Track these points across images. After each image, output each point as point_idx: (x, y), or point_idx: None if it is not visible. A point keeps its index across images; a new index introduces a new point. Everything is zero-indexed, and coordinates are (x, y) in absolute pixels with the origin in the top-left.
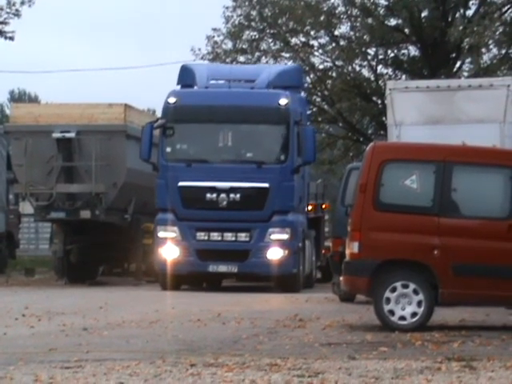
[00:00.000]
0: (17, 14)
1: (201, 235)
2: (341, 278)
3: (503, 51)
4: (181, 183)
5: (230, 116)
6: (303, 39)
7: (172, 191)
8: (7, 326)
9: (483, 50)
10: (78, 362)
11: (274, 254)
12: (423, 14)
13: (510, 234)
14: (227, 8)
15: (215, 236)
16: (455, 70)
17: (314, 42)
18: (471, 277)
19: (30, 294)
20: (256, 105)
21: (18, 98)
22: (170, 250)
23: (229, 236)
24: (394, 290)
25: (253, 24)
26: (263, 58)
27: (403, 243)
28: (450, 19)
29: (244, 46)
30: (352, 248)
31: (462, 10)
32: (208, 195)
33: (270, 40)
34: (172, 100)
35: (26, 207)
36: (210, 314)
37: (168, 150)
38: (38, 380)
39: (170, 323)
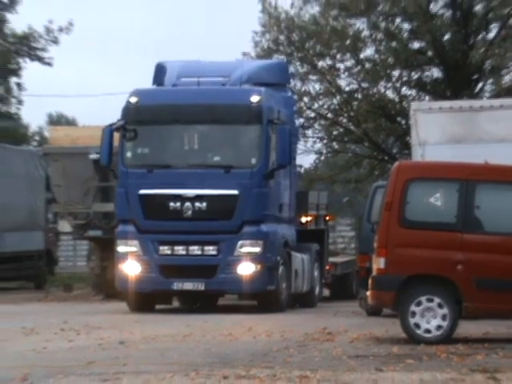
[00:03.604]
0: (55, 41)
1: (164, 249)
2: (367, 293)
3: None
4: (141, 191)
5: (196, 116)
6: (330, 62)
7: (132, 200)
8: (47, 340)
9: (504, 71)
10: (115, 374)
11: (245, 269)
12: (446, 37)
13: None
14: (256, 33)
15: (180, 250)
16: (477, 91)
17: (341, 65)
18: (494, 291)
19: (69, 309)
20: (224, 103)
21: (56, 121)
22: (130, 266)
23: (195, 250)
24: (419, 304)
25: (281, 48)
26: (291, 80)
27: (428, 259)
28: (471, 42)
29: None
30: (378, 264)
31: (483, 33)
32: (171, 204)
33: (298, 63)
34: (133, 99)
35: (65, 226)
36: (242, 328)
37: (128, 154)
38: None
39: (202, 337)
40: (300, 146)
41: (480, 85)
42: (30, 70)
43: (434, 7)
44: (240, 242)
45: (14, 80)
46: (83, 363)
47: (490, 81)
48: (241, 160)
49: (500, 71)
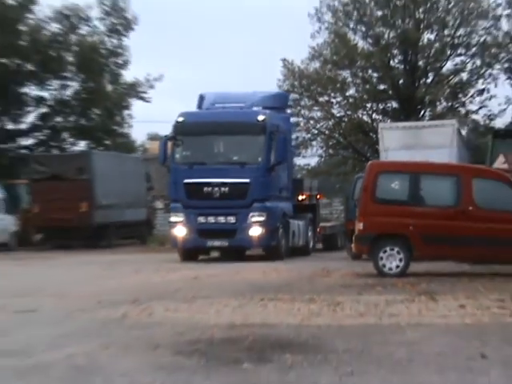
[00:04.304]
0: (151, 87)
1: (200, 219)
2: (352, 245)
3: (449, 104)
4: (186, 180)
5: (222, 129)
6: (326, 98)
7: (180, 186)
8: (147, 276)
9: (437, 103)
10: (192, 298)
11: (255, 231)
12: (400, 82)
13: (456, 216)
14: (279, 80)
15: (211, 219)
16: (420, 116)
17: (333, 100)
18: (433, 243)
19: (162, 257)
20: (241, 121)
21: (153, 137)
22: (179, 230)
23: (221, 219)
24: (385, 251)
25: (295, 90)
26: (302, 110)
27: (390, 223)
28: (417, 84)
29: (290, 103)
30: (359, 226)
31: (424, 79)
32: (205, 189)
33: (306, 99)
34: (180, 119)
35: (159, 204)
36: (270, 269)
37: (177, 156)
38: (168, 310)
39: (246, 274)
40: (308, 152)
41: (422, 112)
42: (136, 106)
43: (392, 63)
44: (251, 214)
45: (126, 112)
46: (171, 291)
47: (428, 109)
48: (251, 159)
49: (435, 103)
